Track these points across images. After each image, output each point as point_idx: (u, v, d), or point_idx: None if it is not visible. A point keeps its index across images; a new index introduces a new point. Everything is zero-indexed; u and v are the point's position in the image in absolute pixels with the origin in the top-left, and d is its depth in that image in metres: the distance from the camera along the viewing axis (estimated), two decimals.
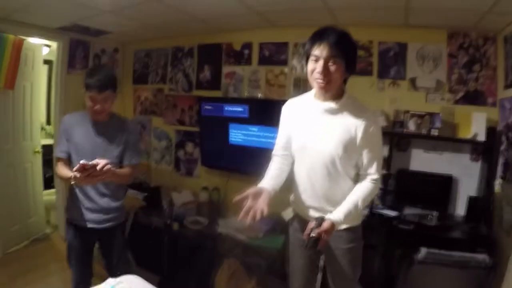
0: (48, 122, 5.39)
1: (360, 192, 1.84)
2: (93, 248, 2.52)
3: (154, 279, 3.36)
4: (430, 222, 2.97)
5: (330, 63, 1.68)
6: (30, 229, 4.23)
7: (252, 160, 3.62)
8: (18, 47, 3.61)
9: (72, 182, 2.04)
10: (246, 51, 4.04)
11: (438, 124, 3.16)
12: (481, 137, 2.99)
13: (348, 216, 1.78)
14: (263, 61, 3.97)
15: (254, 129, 3.71)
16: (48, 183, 4.61)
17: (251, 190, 1.75)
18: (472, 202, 3.10)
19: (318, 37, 1.71)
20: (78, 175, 1.94)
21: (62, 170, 2.25)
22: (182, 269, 3.44)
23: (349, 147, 1.78)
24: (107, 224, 2.41)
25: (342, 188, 1.87)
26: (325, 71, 1.69)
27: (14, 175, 4.01)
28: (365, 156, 1.83)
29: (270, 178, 1.93)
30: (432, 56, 3.30)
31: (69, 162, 2.29)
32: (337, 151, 1.78)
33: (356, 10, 3.05)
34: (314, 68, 1.72)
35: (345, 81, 1.83)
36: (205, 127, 4.10)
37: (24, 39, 3.66)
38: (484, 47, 3.14)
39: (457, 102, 3.24)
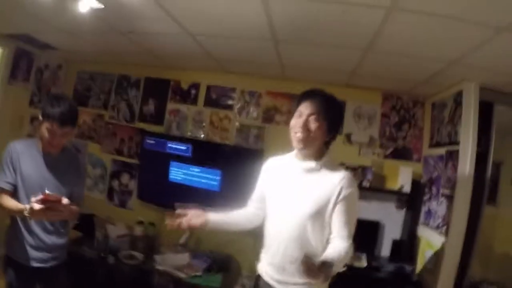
0: None
1: (332, 250, 1.66)
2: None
3: None
4: (360, 263, 3.22)
5: (311, 119, 1.73)
6: None
7: (191, 200, 3.66)
8: None
9: (27, 214, 1.87)
10: (193, 91, 4.15)
11: (369, 176, 3.52)
12: (407, 189, 3.39)
13: (338, 262, 1.58)
14: (209, 103, 4.10)
15: (195, 169, 3.76)
16: None
17: (193, 211, 1.88)
18: (396, 244, 3.52)
19: (306, 95, 1.82)
20: (38, 207, 1.80)
21: (8, 201, 2.02)
22: None
23: (323, 209, 1.72)
24: (52, 263, 2.21)
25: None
26: (305, 125, 1.73)
27: None
28: (338, 219, 1.72)
29: (224, 214, 1.98)
30: (368, 115, 3.71)
31: (12, 195, 2.07)
32: (310, 210, 1.72)
33: (306, 69, 3.38)
34: (295, 123, 1.77)
35: (327, 144, 1.86)
36: (145, 160, 4.06)
37: None
38: (414, 109, 3.64)
39: (386, 156, 3.67)
